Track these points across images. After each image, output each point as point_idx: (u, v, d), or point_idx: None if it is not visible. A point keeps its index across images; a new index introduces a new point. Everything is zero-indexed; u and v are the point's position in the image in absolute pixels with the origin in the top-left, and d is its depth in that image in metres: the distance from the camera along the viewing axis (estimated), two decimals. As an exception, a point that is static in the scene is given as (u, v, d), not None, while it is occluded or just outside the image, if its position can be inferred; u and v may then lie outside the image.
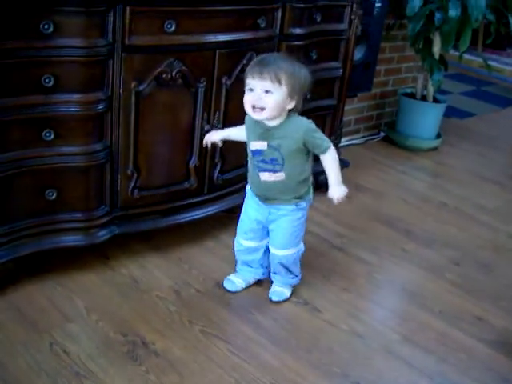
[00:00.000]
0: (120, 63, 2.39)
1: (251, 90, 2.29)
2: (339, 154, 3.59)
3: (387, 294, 2.85)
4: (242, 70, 2.72)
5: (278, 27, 2.86)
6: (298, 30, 2.93)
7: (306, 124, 2.37)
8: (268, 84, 2.24)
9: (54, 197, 2.44)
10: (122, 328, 2.36)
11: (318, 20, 3.04)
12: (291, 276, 2.65)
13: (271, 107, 2.27)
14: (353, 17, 3.22)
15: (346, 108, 3.98)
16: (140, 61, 2.43)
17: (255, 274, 2.71)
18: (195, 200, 2.87)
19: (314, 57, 3.12)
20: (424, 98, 4.57)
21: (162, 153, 2.67)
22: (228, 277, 2.71)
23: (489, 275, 3.06)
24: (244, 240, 2.63)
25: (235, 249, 2.68)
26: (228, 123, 2.80)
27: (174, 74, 2.51)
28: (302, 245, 2.63)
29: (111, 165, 2.54)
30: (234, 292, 2.66)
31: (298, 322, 2.54)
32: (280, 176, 2.40)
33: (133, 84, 2.44)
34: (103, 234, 2.60)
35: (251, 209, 2.57)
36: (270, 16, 2.79)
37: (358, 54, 3.74)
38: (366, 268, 2.98)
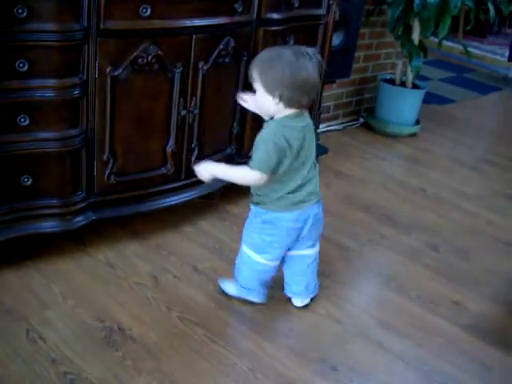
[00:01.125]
0: (95, 48, 2.37)
1: None
2: (318, 139, 3.61)
3: (365, 279, 2.86)
4: (219, 55, 2.73)
5: (255, 12, 2.85)
6: (275, 15, 2.92)
7: (263, 131, 2.25)
8: (253, 84, 2.23)
9: (29, 183, 2.42)
10: (99, 314, 2.35)
11: (296, 5, 3.02)
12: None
13: (256, 108, 2.32)
14: (331, 2, 3.21)
15: (325, 94, 3.99)
16: (115, 45, 2.41)
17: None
18: (172, 186, 2.86)
19: (292, 42, 3.10)
20: (403, 84, 4.58)
21: (138, 138, 2.65)
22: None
23: (467, 261, 3.07)
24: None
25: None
26: (205, 108, 2.79)
27: (149, 58, 2.49)
28: None
29: (87, 150, 2.52)
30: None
31: (275, 308, 2.54)
32: None
33: (108, 69, 2.42)
34: (80, 220, 2.59)
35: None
36: (247, 1, 2.77)
37: (337, 39, 3.74)
38: (345, 253, 2.99)
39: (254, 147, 2.23)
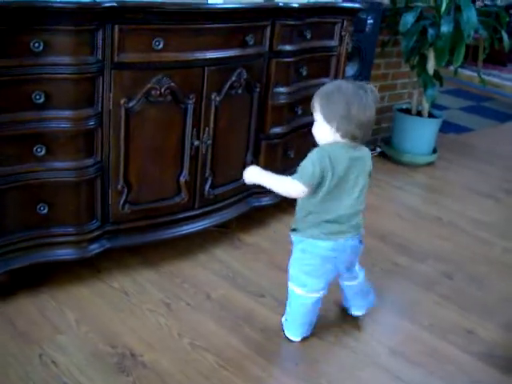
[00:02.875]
0: (110, 80, 2.43)
1: None
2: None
3: (377, 306, 2.86)
4: (232, 87, 2.78)
5: (268, 44, 2.91)
6: (287, 47, 2.98)
7: (313, 151, 2.34)
8: (313, 113, 2.34)
9: (45, 211, 2.48)
10: (112, 340, 2.39)
11: (308, 37, 3.08)
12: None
13: (315, 134, 2.37)
14: (343, 33, 3.26)
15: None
16: (129, 77, 2.48)
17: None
18: (186, 215, 2.91)
19: (305, 73, 3.16)
20: (419, 114, 4.61)
21: (152, 168, 2.70)
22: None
23: (481, 289, 3.07)
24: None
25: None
26: (218, 139, 2.84)
27: (163, 90, 2.55)
28: None
29: (102, 180, 2.58)
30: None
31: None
32: None
33: (122, 100, 2.48)
34: (94, 248, 2.64)
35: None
36: (259, 33, 2.84)
37: (351, 70, 3.78)
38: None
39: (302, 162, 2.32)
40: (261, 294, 2.79)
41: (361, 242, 2.49)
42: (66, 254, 2.58)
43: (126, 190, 2.64)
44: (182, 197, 2.83)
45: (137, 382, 2.20)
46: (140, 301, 2.65)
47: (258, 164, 3.12)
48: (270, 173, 2.45)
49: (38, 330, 2.41)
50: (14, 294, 2.60)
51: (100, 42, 2.36)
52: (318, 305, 2.51)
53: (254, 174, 2.46)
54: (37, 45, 2.24)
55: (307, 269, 2.42)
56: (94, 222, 2.62)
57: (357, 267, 2.61)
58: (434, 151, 4.74)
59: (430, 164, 4.71)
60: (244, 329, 2.55)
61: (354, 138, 2.29)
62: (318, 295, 2.47)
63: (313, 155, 2.29)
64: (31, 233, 2.52)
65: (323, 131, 2.32)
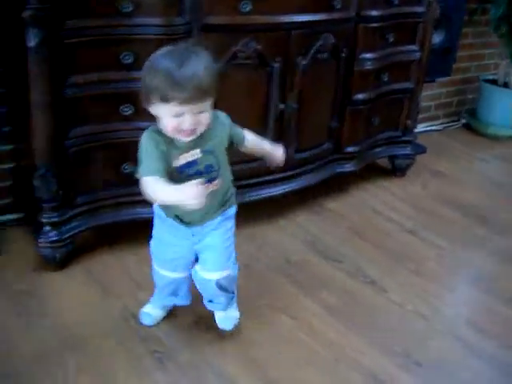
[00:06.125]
0: (197, 42, 2.44)
1: (177, 116, 1.81)
2: (416, 138, 3.60)
3: (456, 278, 2.84)
4: (318, 51, 2.77)
5: (355, 9, 2.89)
6: (374, 12, 2.95)
7: (224, 115, 2.06)
8: (201, 106, 1.82)
9: (129, 170, 2.53)
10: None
11: (396, 2, 3.04)
12: (231, 295, 2.23)
13: (206, 123, 1.88)
14: (431, -1, 3.21)
15: (426, 94, 3.99)
16: (216, 40, 2.50)
17: (181, 300, 2.33)
18: (269, 178, 2.93)
19: (391, 39, 3.13)
20: (506, 85, 4.49)
21: (237, 130, 2.72)
22: (143, 310, 2.32)
23: None
24: (167, 271, 2.20)
25: (156, 279, 2.27)
26: (303, 103, 2.84)
27: (249, 53, 2.56)
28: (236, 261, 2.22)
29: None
30: (151, 326, 2.30)
31: (364, 301, 2.57)
32: (216, 184, 2.00)
33: (209, 63, 2.50)
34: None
35: (171, 237, 2.13)
36: (346, -3, 2.82)
37: (438, 38, 3.71)
38: (437, 252, 2.98)
39: (234, 126, 2.08)
40: (339, 259, 2.80)
41: None
42: (146, 212, 2.62)
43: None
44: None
45: (212, 340, 2.25)
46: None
47: (341, 130, 3.12)
48: (261, 139, 2.20)
49: (120, 285, 2.49)
50: (98, 250, 2.69)
51: (188, 3, 2.38)
52: None
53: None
54: (126, 5, 2.28)
55: None
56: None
57: None
58: (521, 124, 4.63)
59: (515, 137, 4.61)
60: (321, 293, 2.57)
61: None
62: None
63: None
64: (116, 191, 2.58)
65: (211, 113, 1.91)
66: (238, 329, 2.30)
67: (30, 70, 2.25)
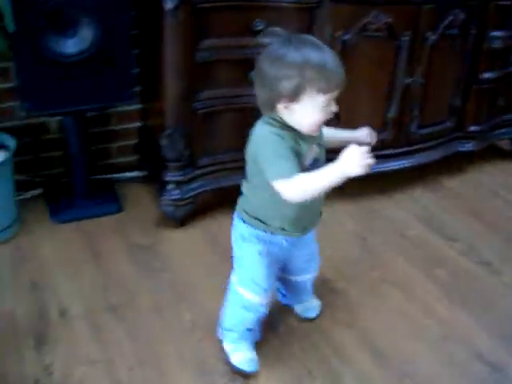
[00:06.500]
0: (328, 12, 2.47)
1: (327, 105, 1.68)
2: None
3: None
4: (448, 27, 2.73)
5: (488, -14, 2.82)
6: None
7: None
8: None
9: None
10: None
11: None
12: None
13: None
14: None
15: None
16: (347, 11, 2.51)
17: (256, 336, 2.10)
18: (389, 152, 2.92)
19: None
20: None
21: (362, 102, 2.74)
22: (242, 360, 2.01)
23: None
24: (264, 298, 1.96)
25: (246, 317, 2.00)
26: (429, 79, 2.81)
27: (380, 25, 2.56)
28: None
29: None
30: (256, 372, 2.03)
31: (478, 282, 2.54)
32: None
33: (338, 33, 2.52)
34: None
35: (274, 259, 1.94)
36: (480, -25, 2.76)
37: None
38: None
39: None
40: (455, 238, 2.78)
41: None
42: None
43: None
44: (388, 133, 2.84)
45: (324, 307, 2.29)
46: (335, 230, 2.73)
47: (465, 108, 3.07)
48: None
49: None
50: (217, 212, 2.77)
51: (321, -26, 2.41)
52: None
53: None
54: (261, -25, 2.32)
55: None
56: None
57: None
58: None
59: None
60: (434, 270, 2.57)
61: None
62: None
63: None
64: (236, 155, 2.63)
65: None
66: (349, 299, 2.35)
67: (165, 32, 2.33)
